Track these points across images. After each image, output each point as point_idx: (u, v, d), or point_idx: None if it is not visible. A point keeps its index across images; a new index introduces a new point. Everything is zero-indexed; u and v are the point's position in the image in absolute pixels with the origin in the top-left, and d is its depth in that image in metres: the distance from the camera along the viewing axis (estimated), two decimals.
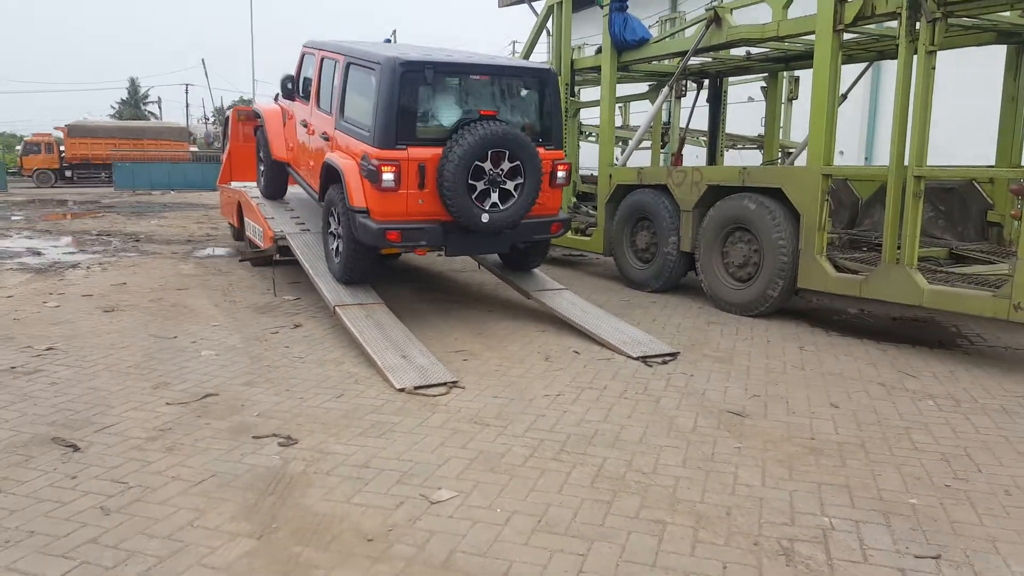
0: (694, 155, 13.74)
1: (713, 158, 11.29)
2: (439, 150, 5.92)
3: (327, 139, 6.89)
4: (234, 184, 11.28)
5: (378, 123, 5.91)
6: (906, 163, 5.92)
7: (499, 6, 24.31)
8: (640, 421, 4.41)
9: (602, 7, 8.77)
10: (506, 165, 6.06)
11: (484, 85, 6.33)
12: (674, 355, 5.80)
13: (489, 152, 5.94)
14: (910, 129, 5.85)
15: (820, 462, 3.86)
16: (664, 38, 9.17)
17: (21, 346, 5.90)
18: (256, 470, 3.69)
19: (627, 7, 8.75)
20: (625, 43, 8.74)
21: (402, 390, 4.88)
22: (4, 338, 6.14)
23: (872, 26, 7.03)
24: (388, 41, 14.44)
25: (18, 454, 3.84)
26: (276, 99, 8.83)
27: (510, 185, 6.15)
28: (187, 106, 57.39)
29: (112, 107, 67.12)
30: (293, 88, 7.86)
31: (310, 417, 4.41)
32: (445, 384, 4.97)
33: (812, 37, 6.97)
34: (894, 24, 6.53)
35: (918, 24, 5.76)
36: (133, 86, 67.43)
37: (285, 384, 5.03)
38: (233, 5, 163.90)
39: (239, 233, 12.45)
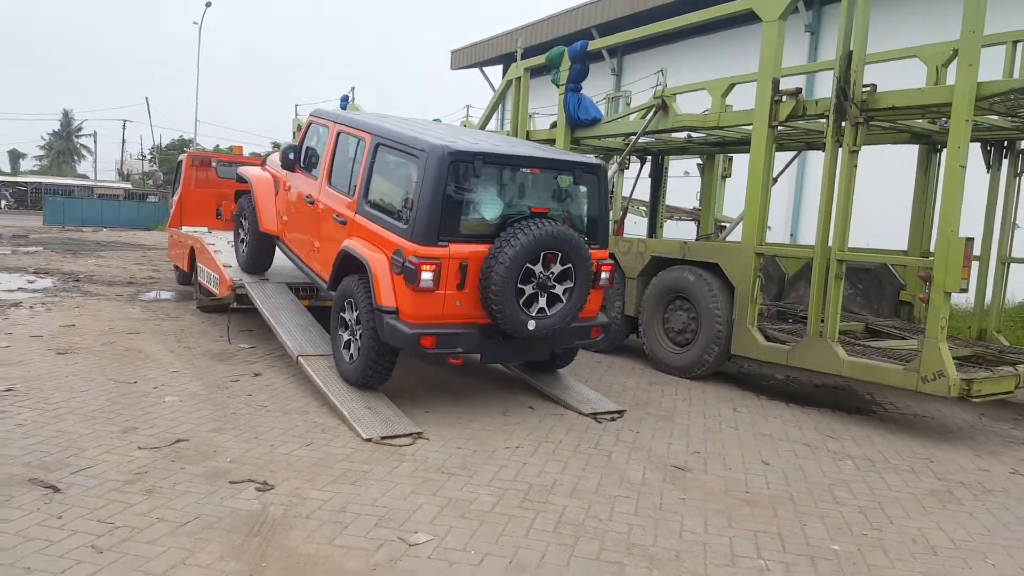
0: (633, 223, 14.58)
1: (653, 228, 12.03)
2: (483, 248, 5.40)
3: (343, 223, 6.20)
4: (185, 229, 11.35)
5: (419, 216, 5.31)
6: (829, 246, 6.64)
7: (451, 68, 25.40)
8: (594, 473, 4.79)
9: (558, 86, 9.44)
10: (557, 268, 5.57)
11: (534, 178, 5.87)
12: (621, 413, 6.23)
13: (542, 254, 5.46)
14: (834, 217, 6.59)
15: (755, 512, 4.31)
16: (615, 119, 9.93)
17: None
18: (238, 513, 3.88)
19: (581, 88, 9.45)
20: (579, 121, 9.41)
21: (369, 440, 5.12)
22: None
23: (802, 122, 7.87)
24: (345, 99, 14.94)
25: (2, 490, 3.92)
26: (263, 165, 8.57)
27: (559, 289, 5.65)
28: (123, 142, 56.22)
29: (43, 138, 65.12)
30: (295, 159, 7.21)
31: (282, 464, 4.62)
32: (410, 435, 5.24)
33: (748, 127, 7.75)
34: (822, 120, 7.36)
35: (843, 124, 6.55)
36: (66, 118, 65.71)
37: (253, 432, 5.20)
38: (177, 47, 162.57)
39: (185, 277, 12.46)
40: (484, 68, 24.02)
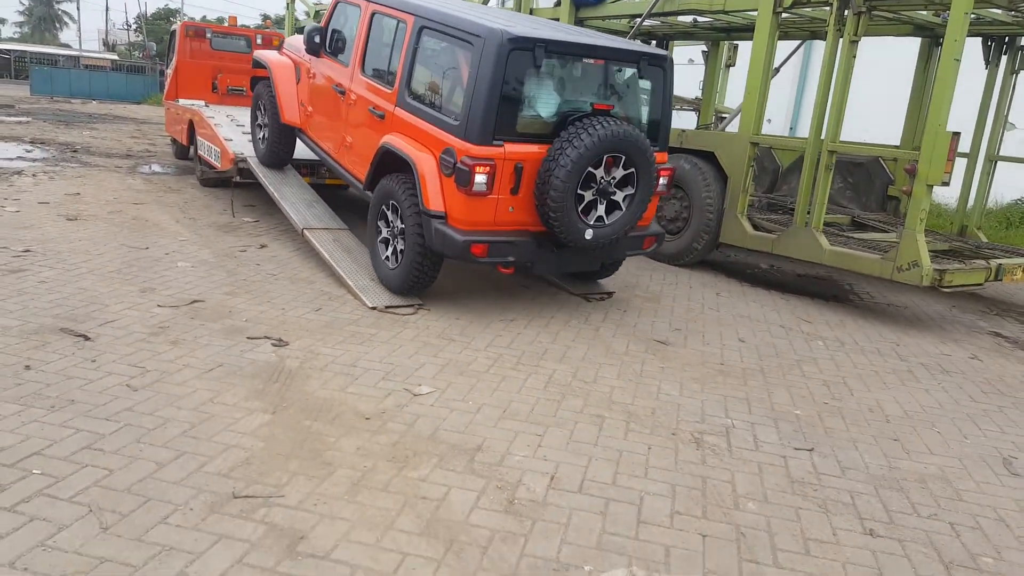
0: None
1: None
2: (541, 149, 4.99)
3: (381, 116, 5.69)
4: (182, 102, 11.28)
5: (473, 113, 4.86)
6: (822, 138, 6.79)
7: None
8: (582, 344, 5.17)
9: None
10: (619, 172, 5.18)
11: (596, 71, 5.39)
12: (610, 294, 6.57)
13: (604, 157, 5.06)
14: (828, 108, 6.71)
15: (727, 381, 4.72)
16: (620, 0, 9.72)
17: None
18: (257, 363, 4.25)
19: None
20: (584, 1, 9.23)
21: (374, 308, 5.46)
22: None
23: (808, 8, 7.80)
24: None
25: (34, 340, 4.26)
26: (280, 48, 7.96)
27: (619, 196, 5.26)
28: (107, 10, 53.87)
29: (21, 3, 62.19)
30: (321, 43, 6.58)
31: (294, 325, 4.96)
32: (412, 305, 5.58)
33: (754, 13, 7.70)
34: (827, 8, 7.31)
35: (846, 13, 6.55)
36: None
37: (264, 296, 5.52)
38: None
39: (183, 151, 12.48)
40: None
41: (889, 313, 7.01)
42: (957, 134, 6.04)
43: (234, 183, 8.37)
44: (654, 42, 11.47)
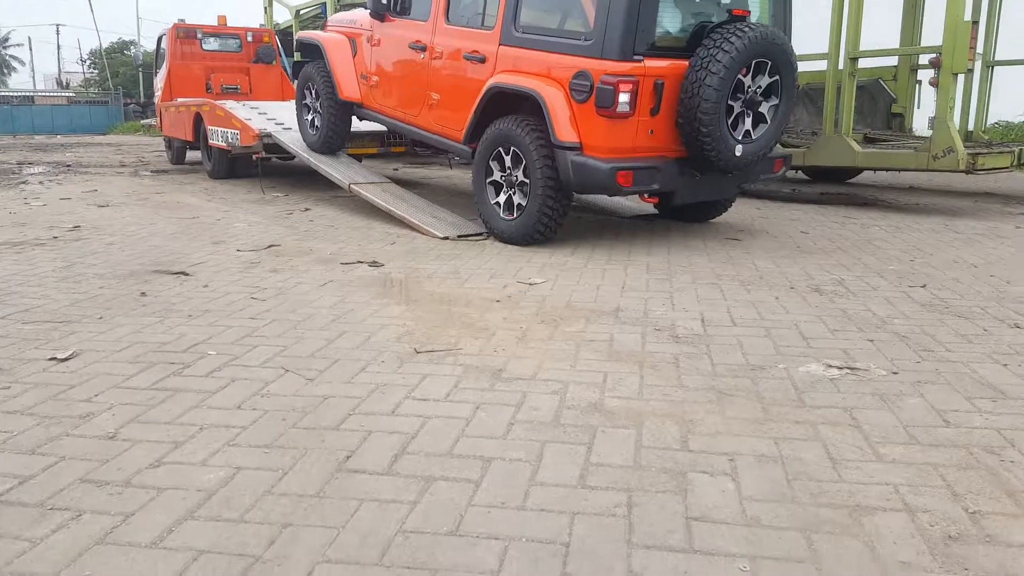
0: None
1: None
2: (679, 63, 4.66)
3: (481, 60, 5.31)
4: (181, 100, 11.18)
5: (610, 27, 4.51)
6: (841, 49, 7.02)
7: None
8: (661, 245, 5.27)
9: None
10: (764, 80, 4.84)
11: None
12: (653, 216, 6.66)
13: (753, 63, 4.71)
14: (846, 16, 6.94)
15: (812, 256, 4.86)
16: None
17: (44, 227, 6.04)
18: (365, 278, 4.27)
19: None
20: None
21: (446, 238, 5.50)
22: (17, 224, 6.23)
23: None
24: None
25: (131, 280, 4.22)
26: (324, 28, 7.62)
27: (764, 107, 4.92)
28: (59, 48, 52.85)
29: None
30: (389, 5, 6.22)
31: (379, 254, 4.98)
32: (483, 233, 5.63)
33: None
34: None
35: None
36: None
37: (334, 240, 5.53)
38: None
39: (179, 156, 12.39)
40: None
41: (923, 209, 7.24)
42: (976, 23, 6.29)
43: (258, 161, 8.35)
44: None
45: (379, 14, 6.30)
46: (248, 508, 1.80)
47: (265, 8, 15.68)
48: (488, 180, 5.31)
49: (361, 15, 6.75)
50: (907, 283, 4.07)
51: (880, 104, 9.24)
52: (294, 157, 8.07)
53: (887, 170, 7.18)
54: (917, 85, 8.87)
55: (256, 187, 8.61)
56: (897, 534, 1.71)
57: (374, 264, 4.61)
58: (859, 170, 8.47)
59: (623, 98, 4.48)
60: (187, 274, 4.34)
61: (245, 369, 2.76)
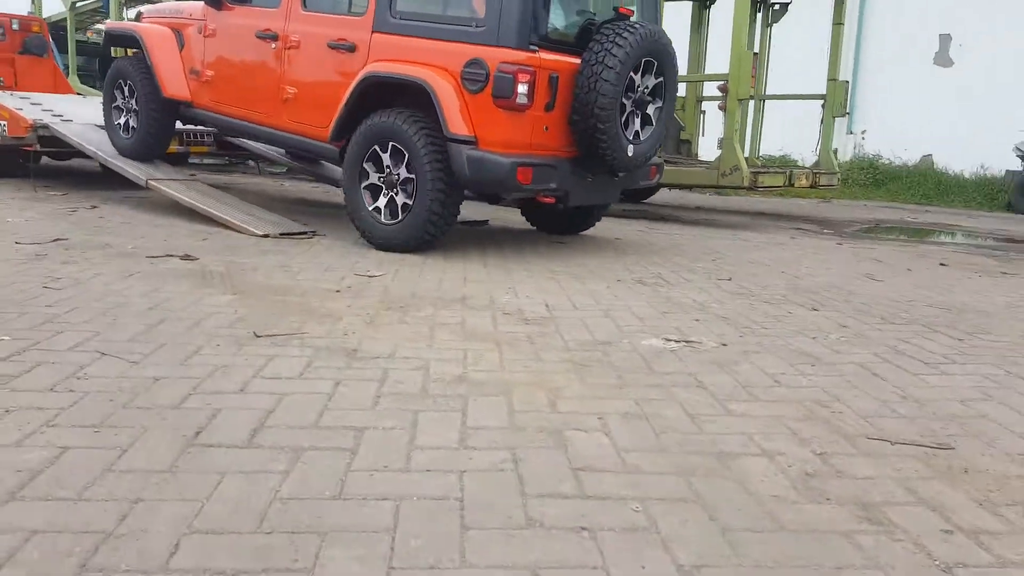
0: None
1: None
2: (570, 58, 4.51)
3: (350, 49, 4.83)
4: None
5: (505, 11, 4.26)
6: None
7: None
8: (495, 244, 5.34)
9: None
10: (651, 81, 4.74)
11: None
12: (485, 222, 6.75)
13: (642, 62, 4.59)
14: None
15: (625, 256, 5.19)
16: None
17: None
18: (179, 270, 3.86)
19: None
20: None
21: (266, 236, 5.14)
22: None
23: None
24: None
25: None
26: (138, 17, 6.78)
27: (651, 109, 4.83)
28: None
29: None
30: None
31: (191, 249, 4.51)
32: (307, 232, 5.34)
33: None
34: None
35: None
36: None
37: (133, 236, 4.94)
38: None
39: None
40: None
41: (713, 223, 8.03)
42: (756, 54, 7.16)
43: (34, 153, 7.31)
44: None
45: (216, 1, 5.64)
46: (86, 486, 1.52)
47: None
48: (364, 184, 4.77)
49: (188, 4, 6.11)
50: (715, 277, 4.47)
51: (671, 131, 10.18)
52: (70, 156, 7.16)
53: (682, 187, 7.90)
54: (702, 115, 9.89)
55: (26, 186, 7.51)
56: (762, 474, 1.84)
57: (187, 257, 4.19)
58: (655, 190, 9.22)
59: (521, 88, 4.22)
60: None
61: (52, 353, 2.36)
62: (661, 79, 4.79)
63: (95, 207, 6.28)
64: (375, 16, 4.78)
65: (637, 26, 4.50)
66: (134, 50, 6.50)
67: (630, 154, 4.71)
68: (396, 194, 4.68)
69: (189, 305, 3.10)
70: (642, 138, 4.82)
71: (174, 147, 7.72)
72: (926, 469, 1.90)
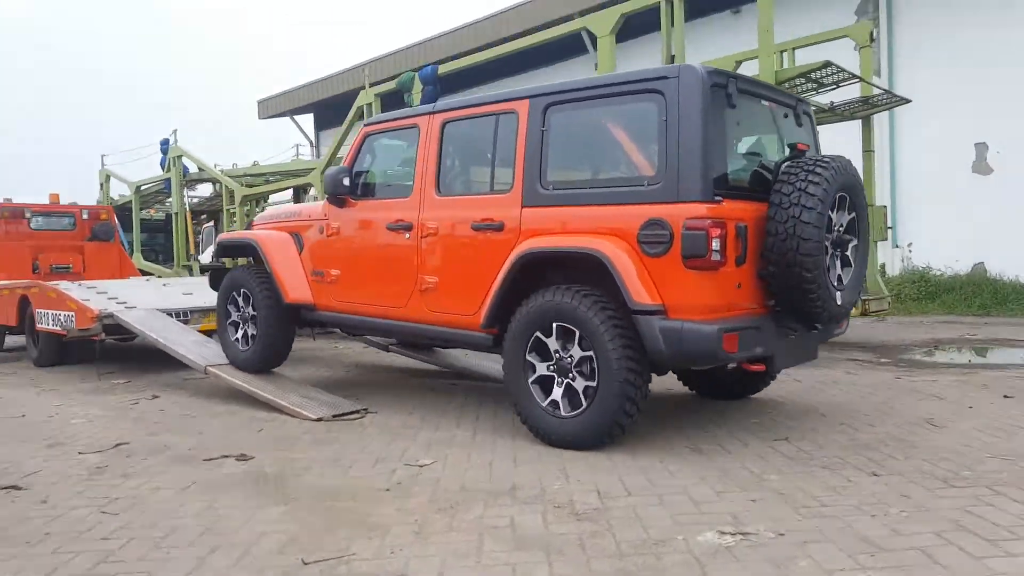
0: None
1: None
2: (756, 204, 4.12)
3: (498, 228, 4.56)
4: (4, 283, 10.31)
5: (684, 164, 3.88)
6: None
7: (259, 118, 25.00)
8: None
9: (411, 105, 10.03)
10: (845, 218, 4.35)
11: (767, 112, 4.66)
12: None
13: (836, 198, 4.20)
14: None
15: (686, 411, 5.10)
16: None
17: None
18: (233, 475, 3.94)
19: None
20: None
21: (320, 419, 5.24)
22: None
23: None
24: (166, 143, 14.30)
25: None
26: (249, 225, 6.84)
27: (849, 248, 4.42)
28: None
29: None
30: (352, 188, 5.50)
31: (244, 445, 4.61)
32: (360, 411, 5.41)
33: None
34: None
35: None
36: None
37: (191, 431, 5.09)
38: None
39: None
40: (295, 116, 23.95)
41: None
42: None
43: (98, 342, 7.74)
44: None
45: (338, 198, 5.55)
46: None
47: (101, 184, 15.23)
48: (532, 379, 4.32)
49: (304, 206, 6.18)
50: (772, 437, 4.34)
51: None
52: (133, 338, 7.55)
53: None
54: None
55: (92, 374, 7.90)
56: None
57: (242, 458, 4.28)
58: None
59: (715, 244, 3.77)
60: (19, 487, 3.80)
61: None
62: (854, 214, 4.39)
63: (156, 396, 6.52)
64: (523, 190, 4.52)
65: (828, 160, 4.14)
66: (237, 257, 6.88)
67: (839, 302, 4.26)
68: (573, 380, 4.19)
69: (242, 525, 3.14)
70: (845, 282, 4.36)
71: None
72: None
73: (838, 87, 8.01)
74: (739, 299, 4.04)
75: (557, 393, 4.24)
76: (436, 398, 5.97)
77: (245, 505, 3.41)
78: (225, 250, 6.82)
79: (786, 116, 4.73)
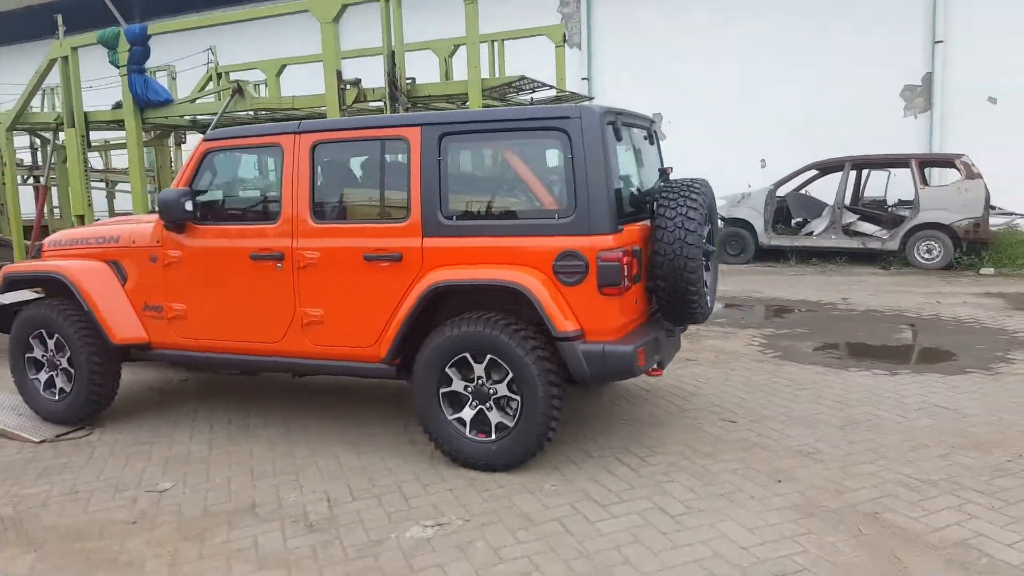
0: None
1: None
2: (641, 226, 4.62)
3: (398, 258, 4.54)
4: None
5: (594, 200, 4.22)
6: None
7: None
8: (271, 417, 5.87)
9: (118, 67, 9.37)
10: (705, 231, 4.82)
11: (639, 137, 5.17)
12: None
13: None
14: None
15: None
16: (185, 101, 10.30)
17: None
18: None
19: (145, 70, 9.53)
20: (149, 102, 9.53)
21: (43, 441, 5.25)
22: None
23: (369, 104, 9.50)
24: None
25: None
26: (39, 254, 5.90)
27: (711, 257, 5.08)
28: None
29: None
30: (195, 209, 5.07)
31: None
32: (83, 428, 5.47)
33: (322, 108, 9.13)
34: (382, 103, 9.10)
35: (396, 105, 8.42)
36: None
37: None
38: None
39: None
40: None
41: None
42: None
43: None
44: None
45: (177, 223, 5.09)
46: None
47: None
48: (452, 415, 4.50)
49: (124, 229, 5.54)
50: None
51: None
52: None
53: None
54: None
55: None
56: None
57: None
58: None
59: (625, 271, 4.22)
60: None
61: None
62: (710, 227, 5.00)
63: None
64: (423, 220, 4.53)
65: (699, 185, 4.71)
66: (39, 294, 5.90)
67: (709, 304, 4.96)
68: (489, 409, 4.44)
69: None
70: (709, 285, 5.01)
71: None
72: None
73: (534, 92, 9.25)
74: (635, 313, 4.54)
75: (465, 414, 4.48)
76: (166, 405, 6.12)
77: None
78: (13, 284, 5.85)
79: (645, 137, 5.28)
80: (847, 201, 13.68)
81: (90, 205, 9.81)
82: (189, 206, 5.01)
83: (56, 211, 12.58)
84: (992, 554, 3.41)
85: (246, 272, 4.98)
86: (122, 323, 5.29)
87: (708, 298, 4.90)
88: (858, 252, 13.30)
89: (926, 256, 12.57)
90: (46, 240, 5.85)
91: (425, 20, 13.95)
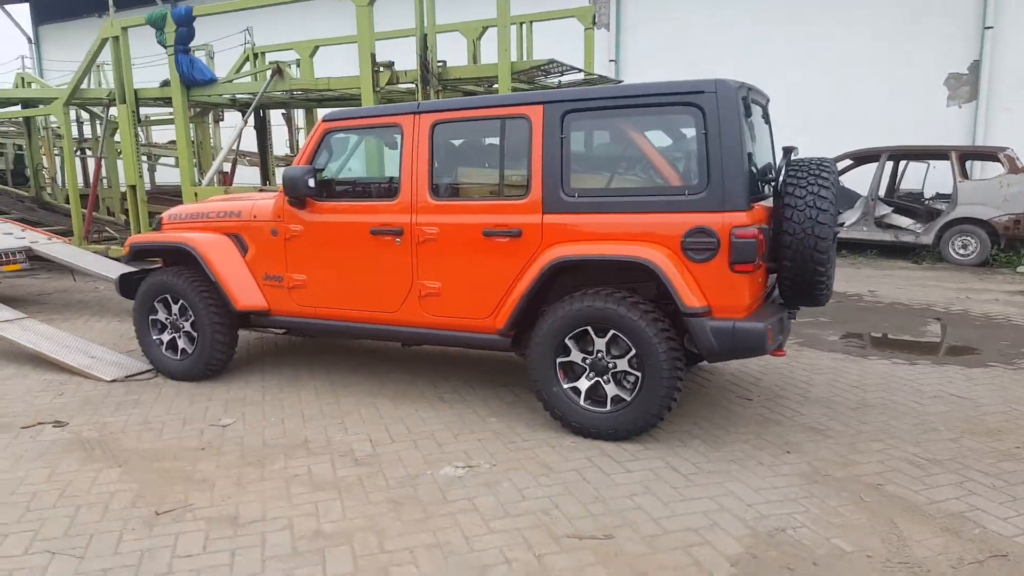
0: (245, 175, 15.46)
1: (266, 177, 13.26)
2: (767, 206, 4.57)
3: (518, 234, 4.66)
4: None
5: (728, 175, 4.17)
6: None
7: None
8: (313, 378, 6.44)
9: (165, 47, 9.93)
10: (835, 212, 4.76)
11: (758, 115, 4.95)
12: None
13: None
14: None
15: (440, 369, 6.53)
16: (229, 80, 10.84)
17: None
18: (58, 442, 4.63)
19: (191, 50, 10.09)
20: (195, 81, 10.10)
21: (114, 380, 5.88)
22: None
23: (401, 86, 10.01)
24: None
25: None
26: (159, 226, 6.24)
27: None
28: None
29: None
30: (318, 188, 5.27)
31: (52, 409, 5.22)
32: (148, 370, 6.10)
33: (357, 90, 9.62)
34: (413, 85, 9.59)
35: (428, 88, 8.89)
36: None
37: None
38: None
39: None
40: (5, 5, 20.81)
41: None
42: None
43: None
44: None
45: (299, 199, 5.33)
46: None
47: None
48: (567, 384, 4.65)
49: (245, 204, 5.79)
50: (495, 384, 5.93)
51: None
52: None
53: None
54: None
55: None
56: None
57: (58, 424, 4.93)
58: None
59: (760, 249, 4.21)
60: None
61: (9, 560, 3.22)
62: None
63: None
64: (544, 197, 4.61)
65: (827, 163, 4.59)
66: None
67: (832, 287, 4.87)
68: (607, 382, 4.56)
69: (91, 486, 3.97)
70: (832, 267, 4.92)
71: None
72: None
73: (562, 75, 9.63)
74: (759, 291, 4.49)
75: (582, 385, 4.61)
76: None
77: (83, 469, 4.21)
78: (139, 253, 6.30)
79: (762, 116, 5.12)
80: (882, 193, 13.41)
81: (141, 176, 10.47)
82: (312, 183, 5.21)
83: (104, 181, 13.23)
84: (985, 526, 3.55)
85: (365, 246, 5.19)
86: (244, 292, 5.62)
87: (832, 281, 4.76)
88: (890, 245, 13.09)
89: (961, 252, 12.22)
90: (165, 214, 6.28)
91: (451, 1, 14.32)
